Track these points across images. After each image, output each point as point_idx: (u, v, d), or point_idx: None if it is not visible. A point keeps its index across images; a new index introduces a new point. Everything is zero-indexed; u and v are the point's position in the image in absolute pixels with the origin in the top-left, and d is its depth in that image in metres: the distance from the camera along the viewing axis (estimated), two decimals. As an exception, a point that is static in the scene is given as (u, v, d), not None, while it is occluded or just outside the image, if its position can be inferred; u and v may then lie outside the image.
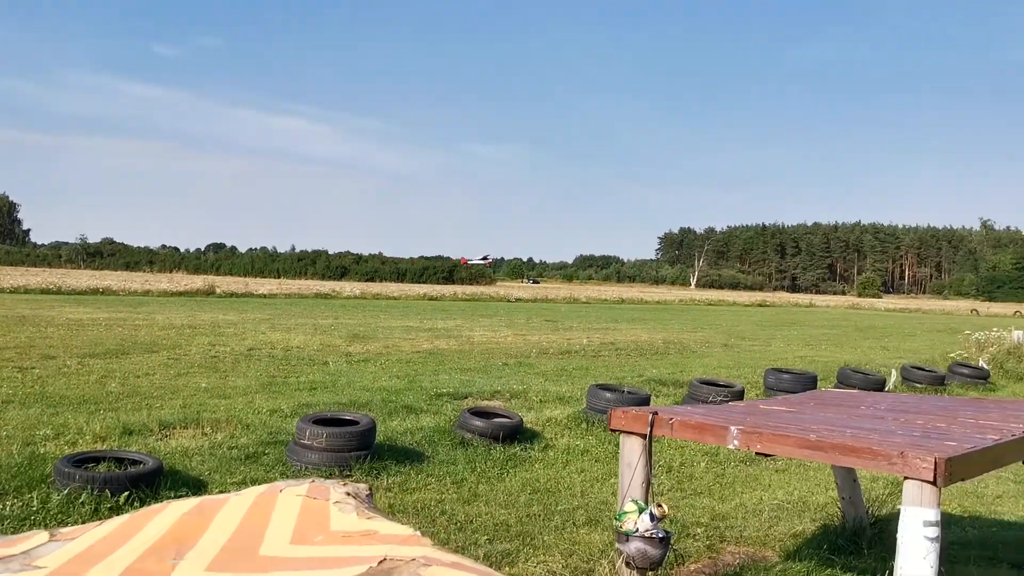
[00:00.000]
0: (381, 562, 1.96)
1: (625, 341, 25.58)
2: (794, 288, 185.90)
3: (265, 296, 50.04)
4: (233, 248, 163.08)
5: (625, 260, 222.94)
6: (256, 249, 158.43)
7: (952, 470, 3.71)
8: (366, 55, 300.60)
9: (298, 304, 43.49)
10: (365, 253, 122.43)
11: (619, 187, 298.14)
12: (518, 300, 65.71)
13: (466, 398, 12.72)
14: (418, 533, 2.12)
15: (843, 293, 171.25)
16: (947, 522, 7.24)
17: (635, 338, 27.24)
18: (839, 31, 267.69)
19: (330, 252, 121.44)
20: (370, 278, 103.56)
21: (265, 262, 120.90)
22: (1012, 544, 6.66)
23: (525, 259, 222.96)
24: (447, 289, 76.49)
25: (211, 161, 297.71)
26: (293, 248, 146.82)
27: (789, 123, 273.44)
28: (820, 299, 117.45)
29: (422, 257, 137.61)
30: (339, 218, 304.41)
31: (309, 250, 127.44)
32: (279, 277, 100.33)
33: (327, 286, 68.41)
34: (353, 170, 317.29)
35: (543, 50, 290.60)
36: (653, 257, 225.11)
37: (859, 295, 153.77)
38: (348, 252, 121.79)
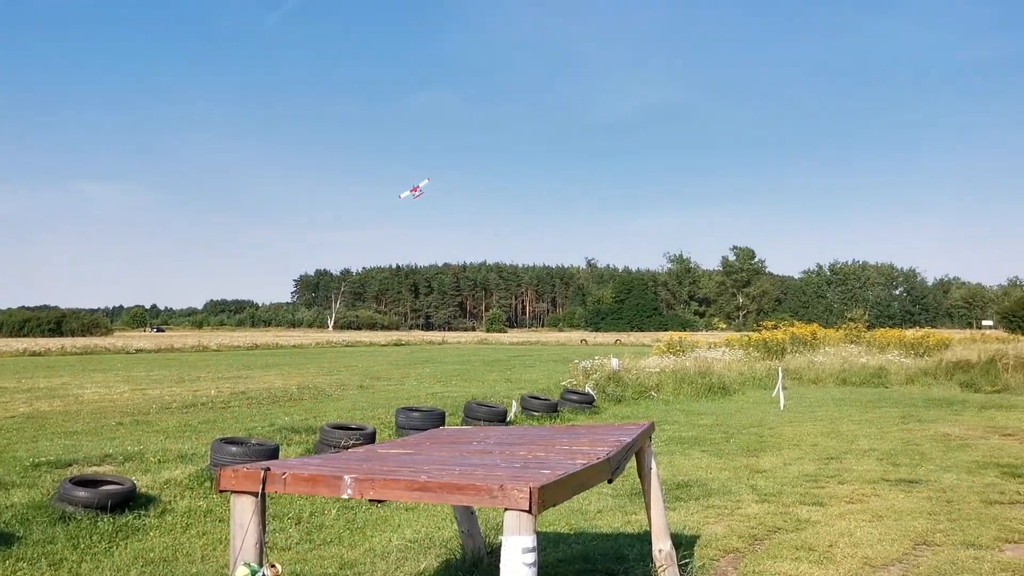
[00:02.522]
0: None
1: (257, 389, 24.69)
2: (428, 326, 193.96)
3: None
4: None
5: (260, 304, 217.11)
6: None
7: (545, 498, 3.98)
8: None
9: None
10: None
11: (249, 230, 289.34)
12: (139, 351, 60.82)
13: (70, 466, 11.36)
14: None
15: (473, 329, 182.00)
16: (555, 540, 7.86)
17: (268, 385, 26.42)
18: (450, 80, 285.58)
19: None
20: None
21: None
22: (608, 554, 7.38)
23: (148, 306, 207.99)
24: (54, 343, 68.68)
25: None
26: None
27: (416, 167, 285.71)
28: (452, 336, 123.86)
29: (23, 308, 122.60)
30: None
31: None
32: None
33: None
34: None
35: (148, 85, 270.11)
36: (289, 300, 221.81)
37: (487, 330, 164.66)
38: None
